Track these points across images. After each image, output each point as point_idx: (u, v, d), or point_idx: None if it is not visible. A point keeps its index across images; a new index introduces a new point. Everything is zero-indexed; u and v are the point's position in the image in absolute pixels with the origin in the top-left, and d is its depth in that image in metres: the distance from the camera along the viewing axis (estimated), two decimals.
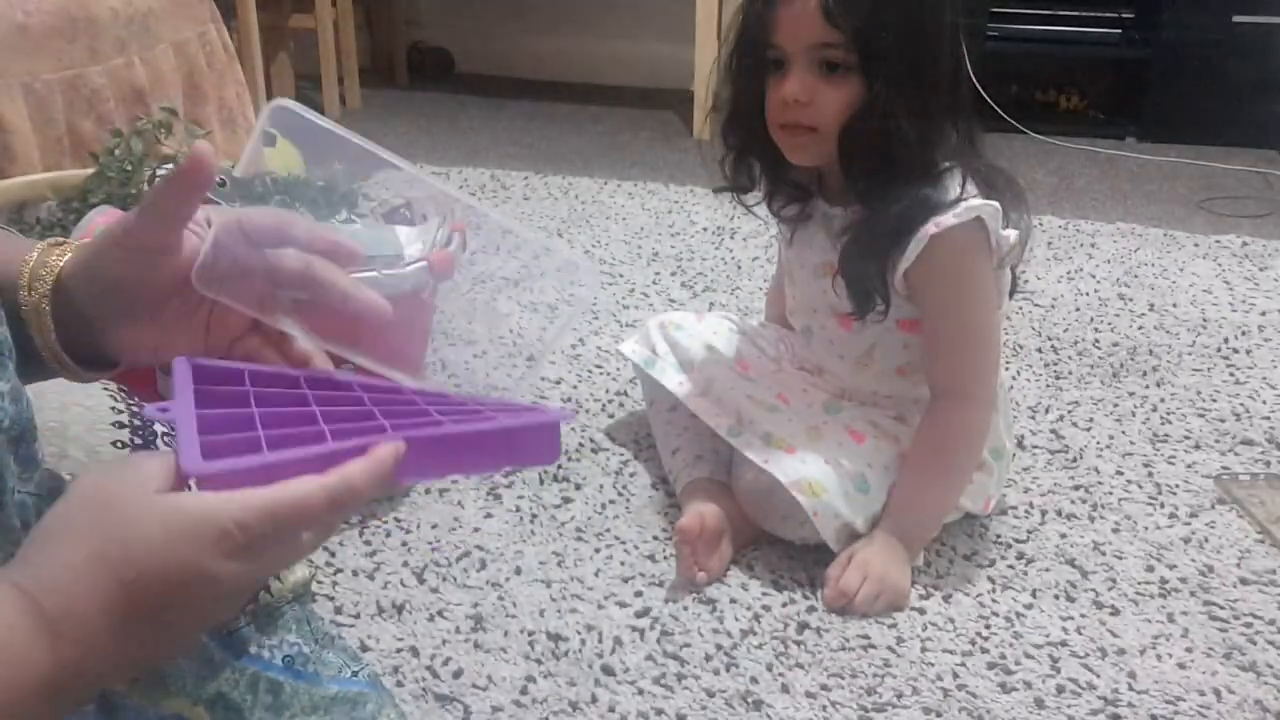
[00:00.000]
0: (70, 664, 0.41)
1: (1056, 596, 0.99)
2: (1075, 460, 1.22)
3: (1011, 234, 0.97)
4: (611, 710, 0.85)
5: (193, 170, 0.53)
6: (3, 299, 0.55)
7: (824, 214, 1.03)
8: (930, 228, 0.93)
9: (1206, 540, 1.08)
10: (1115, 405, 1.34)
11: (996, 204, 0.95)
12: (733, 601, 0.97)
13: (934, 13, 0.93)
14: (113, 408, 0.72)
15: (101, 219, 1.02)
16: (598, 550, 1.04)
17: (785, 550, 1.04)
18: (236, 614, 0.48)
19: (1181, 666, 0.91)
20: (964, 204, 0.94)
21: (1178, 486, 1.17)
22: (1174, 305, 1.64)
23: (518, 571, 1.01)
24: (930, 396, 1.03)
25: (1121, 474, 1.19)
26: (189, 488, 0.45)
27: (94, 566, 0.42)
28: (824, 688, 0.87)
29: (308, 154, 0.58)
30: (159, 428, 0.70)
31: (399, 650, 0.90)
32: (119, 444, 0.78)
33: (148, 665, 0.45)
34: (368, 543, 1.04)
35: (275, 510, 0.43)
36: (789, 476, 0.98)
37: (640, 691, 0.87)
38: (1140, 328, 1.56)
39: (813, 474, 0.98)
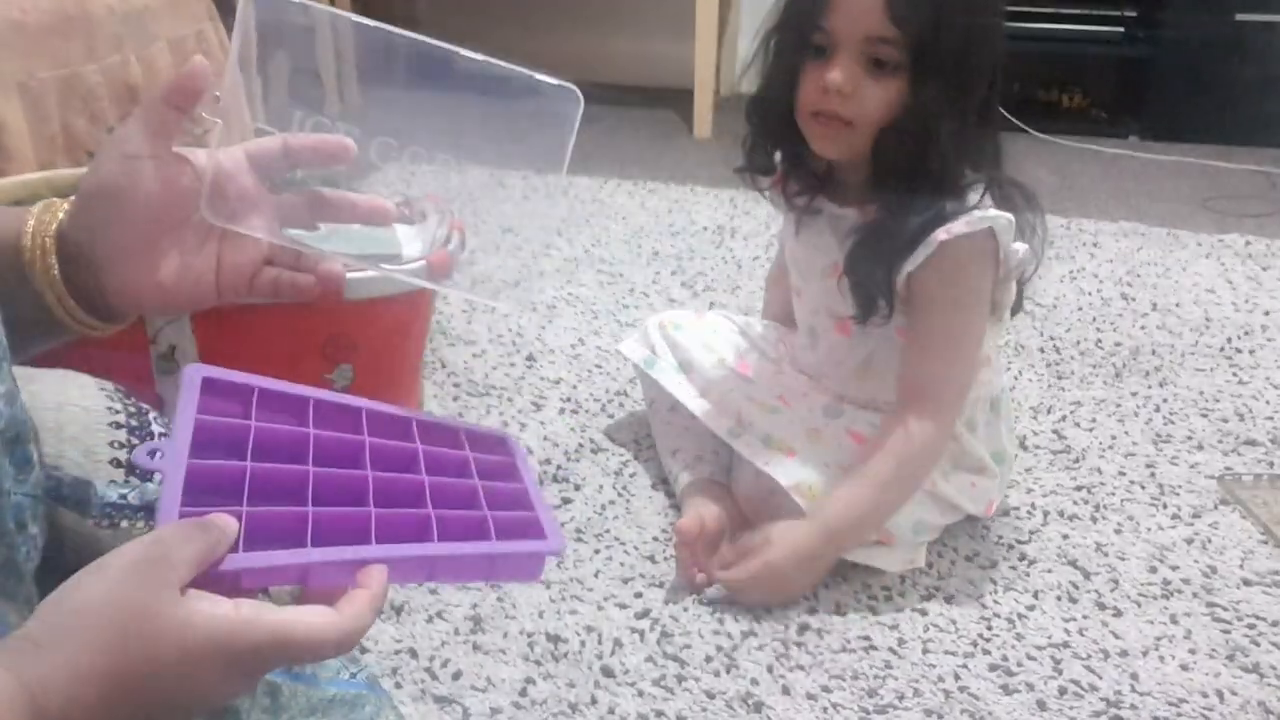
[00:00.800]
0: None
1: (1059, 598, 0.99)
2: (1077, 461, 1.21)
3: (1021, 248, 0.95)
4: (611, 712, 0.84)
5: (186, 80, 0.54)
6: (3, 262, 0.55)
7: (832, 214, 1.01)
8: (940, 234, 0.91)
9: (1209, 541, 1.07)
10: (1118, 405, 1.34)
11: (1010, 216, 0.93)
12: (733, 602, 0.97)
13: (988, 22, 0.90)
14: (109, 408, 0.71)
15: None
16: (597, 551, 1.04)
17: None
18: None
19: (1184, 668, 0.90)
20: (977, 213, 0.92)
21: (1180, 487, 1.16)
22: (1177, 305, 1.63)
23: None
24: (896, 404, 0.99)
25: (1124, 475, 1.19)
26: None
27: (105, 684, 0.42)
28: (825, 689, 0.87)
29: (297, 50, 0.57)
30: (156, 428, 0.70)
31: (397, 652, 0.90)
32: (116, 444, 0.77)
33: None
34: None
35: (290, 644, 0.45)
36: (788, 479, 0.97)
37: (640, 693, 0.86)
38: (1143, 327, 1.56)
39: (811, 477, 0.98)
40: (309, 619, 0.46)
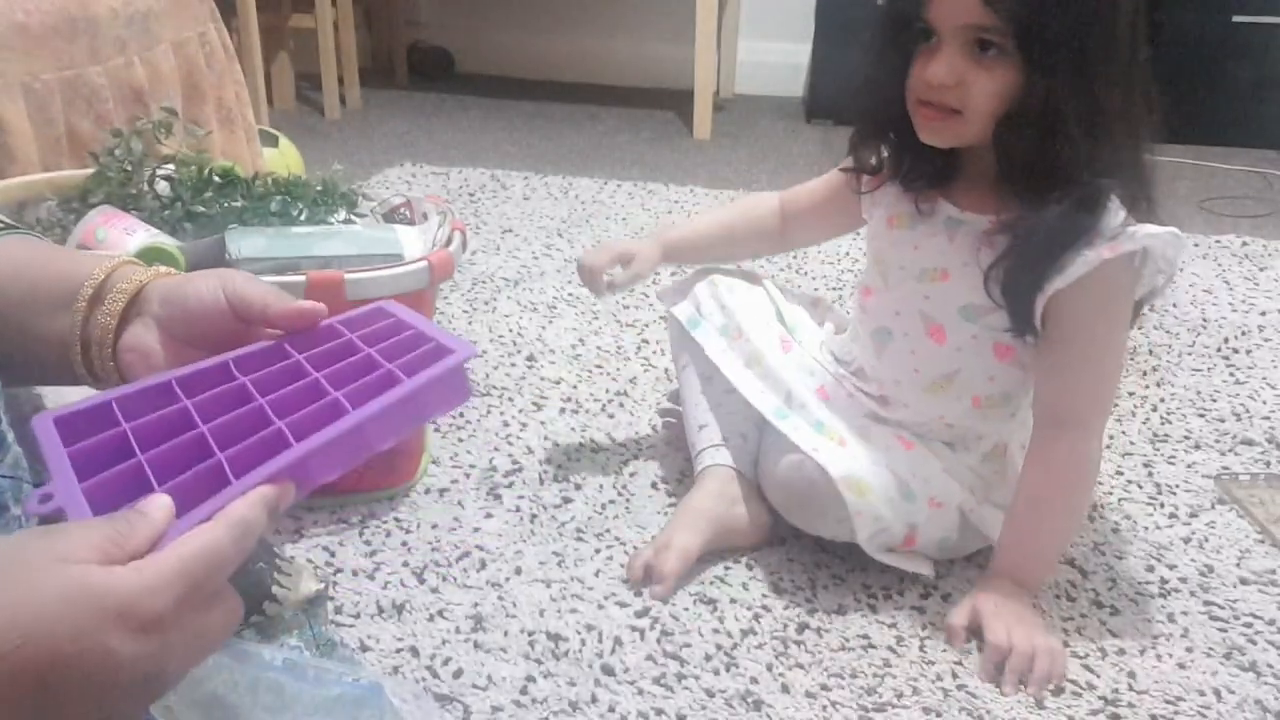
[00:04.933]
0: None
1: (1057, 596, 0.99)
2: None
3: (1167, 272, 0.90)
4: (611, 710, 0.85)
5: (302, 317, 0.58)
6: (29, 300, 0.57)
7: (949, 217, 0.95)
8: (1103, 252, 0.86)
9: (1206, 540, 1.08)
10: (1115, 405, 1.34)
11: (1175, 230, 0.88)
12: (733, 601, 0.97)
13: (1108, 4, 0.84)
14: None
15: (101, 219, 1.02)
16: (598, 550, 1.04)
17: (785, 552, 1.04)
18: (147, 709, 0.44)
19: (1181, 666, 0.91)
20: (1135, 230, 0.86)
21: (1178, 486, 1.17)
22: (1174, 305, 1.64)
23: (518, 571, 1.01)
24: (1036, 425, 0.94)
25: (1121, 474, 1.19)
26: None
27: None
28: (824, 688, 0.87)
29: None
30: None
31: (399, 650, 0.90)
32: None
33: None
34: (367, 542, 1.04)
35: (186, 570, 0.41)
36: (839, 470, 0.94)
37: (640, 691, 0.87)
38: (1140, 327, 1.56)
39: (862, 472, 0.95)
40: (193, 537, 0.42)
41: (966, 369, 0.98)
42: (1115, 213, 0.88)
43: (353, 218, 1.17)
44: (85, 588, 0.39)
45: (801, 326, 1.13)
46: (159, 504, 0.44)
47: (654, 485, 1.15)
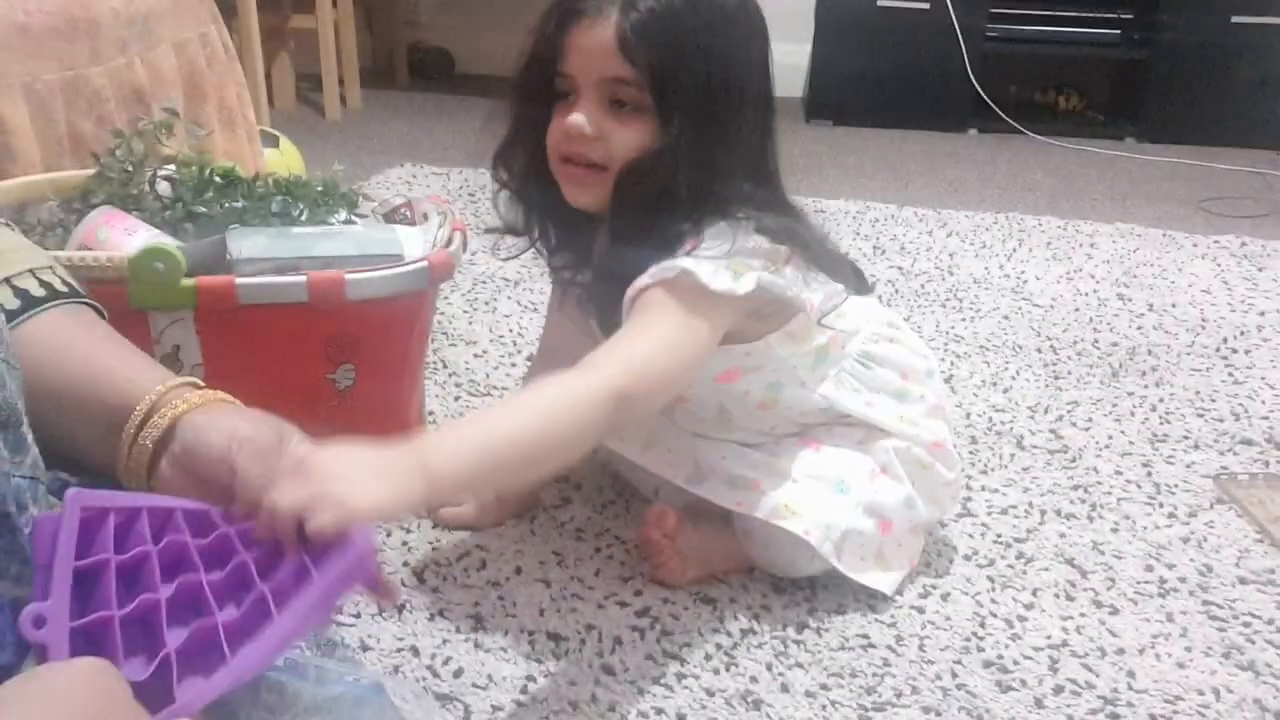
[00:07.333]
0: None
1: (1056, 596, 0.99)
2: (1074, 460, 1.22)
3: (759, 277, 0.85)
4: (611, 709, 0.85)
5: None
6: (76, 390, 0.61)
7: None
8: (629, 290, 0.85)
9: (1205, 540, 1.08)
10: (1114, 405, 1.34)
11: (721, 260, 0.84)
12: (732, 601, 0.97)
13: (739, 51, 0.86)
14: None
15: (102, 219, 1.02)
16: (598, 550, 1.04)
17: None
18: None
19: (1180, 666, 0.91)
20: (669, 263, 0.84)
21: (1177, 486, 1.17)
22: (1173, 305, 1.64)
23: (518, 571, 1.01)
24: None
25: (1120, 474, 1.19)
26: None
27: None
28: (823, 687, 0.88)
29: None
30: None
31: (399, 650, 0.90)
32: None
33: None
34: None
35: None
36: (764, 510, 0.93)
37: (640, 691, 0.87)
38: (1139, 328, 1.57)
39: (783, 498, 0.93)
40: None
41: (724, 408, 0.96)
42: (687, 245, 0.85)
43: (353, 218, 1.17)
44: None
45: None
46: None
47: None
